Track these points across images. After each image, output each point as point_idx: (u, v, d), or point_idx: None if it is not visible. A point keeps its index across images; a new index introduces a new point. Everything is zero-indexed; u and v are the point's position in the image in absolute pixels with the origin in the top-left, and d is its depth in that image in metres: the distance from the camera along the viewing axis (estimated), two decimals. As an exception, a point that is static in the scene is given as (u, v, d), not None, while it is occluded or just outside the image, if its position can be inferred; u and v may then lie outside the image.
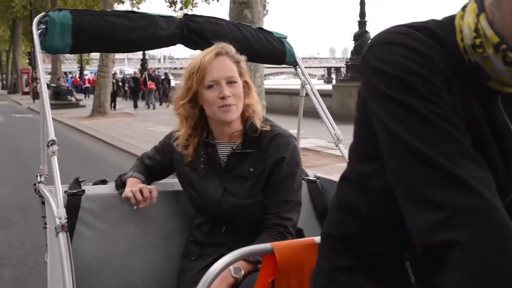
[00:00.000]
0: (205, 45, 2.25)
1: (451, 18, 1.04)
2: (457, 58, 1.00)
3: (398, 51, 0.96)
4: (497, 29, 0.93)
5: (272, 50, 2.56)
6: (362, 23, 16.63)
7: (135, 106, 24.45)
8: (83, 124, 17.26)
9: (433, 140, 0.91)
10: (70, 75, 45.48)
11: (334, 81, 26.66)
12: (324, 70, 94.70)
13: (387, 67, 0.96)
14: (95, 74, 30.34)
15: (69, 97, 27.33)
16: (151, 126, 15.55)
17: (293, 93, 15.97)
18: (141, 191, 2.02)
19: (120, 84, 32.05)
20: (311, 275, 1.31)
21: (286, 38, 2.66)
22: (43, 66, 2.15)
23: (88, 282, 2.06)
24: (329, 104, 13.57)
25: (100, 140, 13.72)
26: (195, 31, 2.36)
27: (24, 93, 38.32)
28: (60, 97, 26.47)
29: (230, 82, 1.93)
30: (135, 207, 2.02)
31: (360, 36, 16.09)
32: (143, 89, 25.55)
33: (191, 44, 2.40)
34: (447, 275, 0.84)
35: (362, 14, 16.44)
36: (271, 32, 2.61)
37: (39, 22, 2.14)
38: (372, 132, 1.02)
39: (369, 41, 1.07)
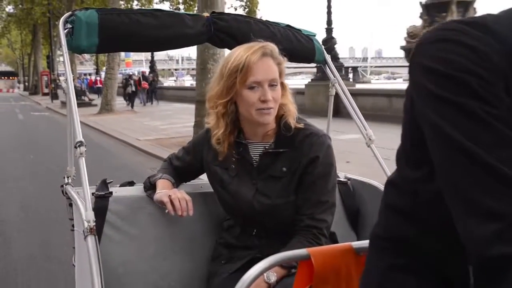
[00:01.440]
0: (233, 43, 2.21)
1: (509, 12, 0.97)
2: None
3: (451, 49, 0.89)
4: None
5: (301, 48, 2.50)
6: (329, 30, 19.38)
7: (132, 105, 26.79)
8: (91, 119, 19.04)
9: (490, 144, 0.84)
10: (85, 77, 47.14)
11: (351, 80, 26.98)
12: (341, 70, 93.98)
13: (439, 65, 0.89)
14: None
15: (83, 97, 29.23)
16: (148, 121, 18.21)
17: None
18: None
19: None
20: (360, 279, 1.25)
21: (315, 35, 2.60)
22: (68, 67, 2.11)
23: (116, 286, 2.03)
24: (302, 101, 16.67)
25: (102, 132, 15.80)
26: (223, 29, 2.32)
27: (44, 94, 40.36)
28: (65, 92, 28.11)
29: (272, 85, 1.88)
30: (166, 211, 1.98)
31: (327, 41, 18.44)
32: (138, 88, 28.49)
33: (218, 42, 2.35)
34: None
35: (329, 22, 19.35)
36: (299, 30, 2.54)
37: (66, 22, 2.10)
38: (420, 136, 0.96)
39: (418, 39, 1.00)
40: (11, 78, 75.86)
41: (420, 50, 0.95)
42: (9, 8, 43.99)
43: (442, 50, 0.90)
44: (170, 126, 15.79)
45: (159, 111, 22.69)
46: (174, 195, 1.97)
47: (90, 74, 58.34)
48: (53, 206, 6.07)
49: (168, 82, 69.47)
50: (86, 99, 29.35)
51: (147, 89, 29.30)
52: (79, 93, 28.33)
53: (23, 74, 71.57)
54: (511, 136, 0.84)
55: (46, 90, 40.17)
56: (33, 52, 51.10)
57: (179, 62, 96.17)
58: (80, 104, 25.55)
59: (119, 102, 25.10)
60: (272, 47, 1.91)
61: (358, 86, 26.19)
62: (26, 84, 64.02)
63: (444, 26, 0.95)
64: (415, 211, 1.07)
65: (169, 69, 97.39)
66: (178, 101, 28.22)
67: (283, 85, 1.95)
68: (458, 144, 0.86)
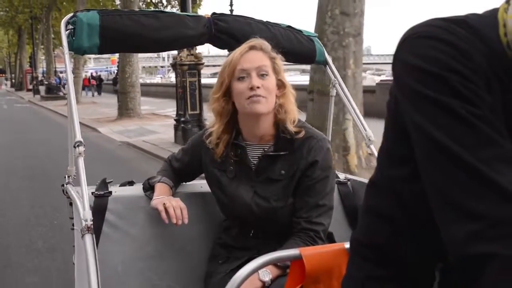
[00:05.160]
0: (233, 44, 2.22)
1: (493, 12, 0.96)
2: (499, 55, 0.91)
3: (435, 46, 0.88)
4: None
5: (301, 49, 2.51)
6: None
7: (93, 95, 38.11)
8: (61, 108, 23.27)
9: (471, 143, 0.83)
10: (62, 74, 50.26)
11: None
12: None
13: (422, 62, 0.88)
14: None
15: (58, 92, 34.97)
16: (102, 107, 24.87)
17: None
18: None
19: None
20: (342, 283, 1.26)
21: (316, 36, 2.61)
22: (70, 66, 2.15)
23: (115, 284, 2.04)
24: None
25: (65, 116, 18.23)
26: (224, 30, 2.33)
27: (28, 90, 45.26)
28: (50, 91, 35.38)
29: (262, 74, 1.89)
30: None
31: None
32: (87, 84, 38.63)
33: (219, 43, 2.37)
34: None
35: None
36: (300, 31, 2.55)
37: (67, 23, 2.12)
38: (404, 133, 0.95)
39: (403, 34, 0.99)
40: None
41: (403, 46, 0.94)
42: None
43: (426, 47, 0.89)
44: (111, 110, 20.61)
45: (109, 103, 26.32)
46: (169, 203, 1.97)
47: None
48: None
49: (157, 79, 72.52)
50: (61, 93, 34.28)
51: (95, 85, 40.79)
52: (54, 89, 35.89)
53: (10, 71, 76.31)
54: (492, 136, 0.84)
55: (30, 87, 45.00)
56: (19, 51, 56.38)
57: (165, 60, 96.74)
58: (56, 98, 32.72)
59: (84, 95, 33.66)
60: (264, 43, 1.94)
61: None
62: (13, 81, 68.52)
63: (429, 23, 0.94)
64: (399, 212, 1.07)
65: (156, 66, 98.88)
66: (156, 97, 32.92)
67: (283, 84, 1.95)
68: (439, 143, 0.85)
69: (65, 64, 2.15)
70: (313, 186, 1.90)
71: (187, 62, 11.03)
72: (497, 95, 0.89)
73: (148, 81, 58.99)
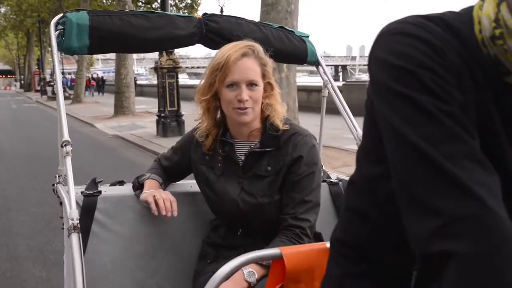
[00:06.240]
0: (224, 44, 2.22)
1: (469, 9, 0.96)
2: (474, 52, 0.91)
3: (409, 43, 0.88)
4: None
5: (293, 49, 2.51)
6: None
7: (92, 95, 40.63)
8: (65, 108, 23.52)
9: (437, 139, 0.83)
10: (70, 76, 51.68)
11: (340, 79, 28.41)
12: (331, 68, 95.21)
13: (394, 58, 0.88)
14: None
15: (64, 92, 35.18)
16: (103, 106, 25.48)
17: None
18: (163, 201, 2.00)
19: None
20: (321, 283, 1.26)
21: (308, 37, 2.61)
22: (60, 66, 2.15)
23: (104, 283, 2.05)
24: None
25: (70, 116, 19.69)
26: (214, 31, 2.33)
27: (36, 91, 47.97)
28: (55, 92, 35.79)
29: (251, 85, 1.89)
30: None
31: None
32: (88, 85, 40.37)
33: (210, 43, 2.37)
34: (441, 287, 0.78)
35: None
36: (292, 31, 2.56)
37: (57, 23, 2.14)
38: (379, 131, 0.95)
39: (379, 31, 0.99)
40: (8, 76, 78.34)
41: (378, 42, 0.94)
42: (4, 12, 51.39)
43: (400, 43, 0.89)
44: (110, 109, 21.34)
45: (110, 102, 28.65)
46: (159, 195, 1.99)
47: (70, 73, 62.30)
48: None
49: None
50: (66, 94, 37.41)
51: (95, 86, 44.27)
52: None
53: (19, 73, 78.17)
54: (459, 133, 0.84)
55: (38, 88, 47.42)
56: (28, 54, 58.93)
57: None
58: None
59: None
60: (257, 47, 1.92)
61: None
62: (22, 82, 71.14)
63: (406, 20, 0.94)
64: (375, 210, 1.07)
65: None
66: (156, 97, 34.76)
67: (270, 86, 1.96)
68: (405, 137, 0.85)
69: (53, 64, 2.16)
70: (299, 182, 1.91)
71: (166, 66, 13.15)
72: (470, 94, 0.89)
73: (154, 82, 59.88)
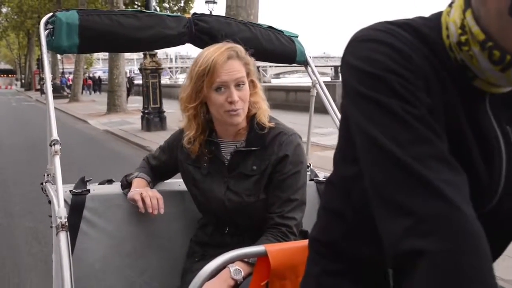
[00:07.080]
0: (213, 44, 2.23)
1: (438, 15, 0.99)
2: (442, 57, 0.94)
3: (377, 49, 0.91)
4: (483, 26, 0.87)
5: (282, 49, 2.53)
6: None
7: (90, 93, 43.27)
8: (62, 106, 26.30)
9: (405, 141, 0.86)
10: (69, 75, 52.77)
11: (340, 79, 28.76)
12: (331, 68, 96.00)
13: (363, 64, 0.91)
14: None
15: (62, 91, 38.74)
16: (98, 105, 26.83)
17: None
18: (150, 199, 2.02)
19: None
20: (301, 280, 1.28)
21: (297, 37, 2.62)
22: (49, 66, 2.16)
23: (92, 282, 2.06)
24: None
25: (66, 113, 22.60)
26: (204, 30, 2.34)
27: (37, 90, 49.26)
28: (55, 91, 40.18)
29: (239, 84, 1.90)
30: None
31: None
32: (85, 84, 42.64)
33: (200, 43, 2.38)
34: (412, 286, 0.80)
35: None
36: (281, 31, 2.57)
37: (47, 22, 2.14)
38: (351, 133, 0.98)
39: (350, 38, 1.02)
40: (9, 75, 78.29)
41: (348, 49, 0.97)
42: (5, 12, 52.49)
43: (369, 50, 0.92)
44: (104, 107, 22.37)
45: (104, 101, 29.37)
46: (146, 193, 2.02)
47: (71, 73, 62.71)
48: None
49: (165, 80, 72.67)
50: (65, 93, 38.91)
51: (91, 85, 47.16)
52: (58, 89, 38.92)
53: (20, 72, 79.06)
54: (427, 135, 0.86)
55: (38, 87, 48.64)
56: (28, 54, 60.08)
57: (173, 61, 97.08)
58: (60, 97, 35.32)
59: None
60: (238, 48, 1.93)
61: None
62: (23, 81, 72.21)
63: (375, 26, 0.97)
64: (350, 210, 1.09)
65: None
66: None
67: (253, 83, 1.98)
68: (374, 140, 0.87)
69: (43, 64, 2.16)
70: (285, 181, 1.92)
71: (150, 67, 14.39)
72: (438, 97, 0.91)
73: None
